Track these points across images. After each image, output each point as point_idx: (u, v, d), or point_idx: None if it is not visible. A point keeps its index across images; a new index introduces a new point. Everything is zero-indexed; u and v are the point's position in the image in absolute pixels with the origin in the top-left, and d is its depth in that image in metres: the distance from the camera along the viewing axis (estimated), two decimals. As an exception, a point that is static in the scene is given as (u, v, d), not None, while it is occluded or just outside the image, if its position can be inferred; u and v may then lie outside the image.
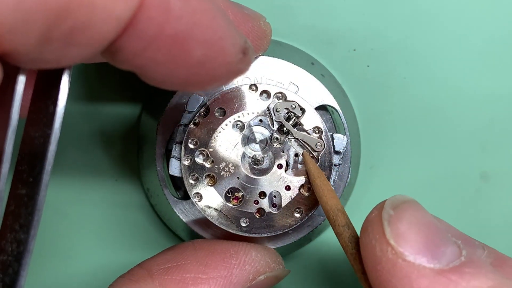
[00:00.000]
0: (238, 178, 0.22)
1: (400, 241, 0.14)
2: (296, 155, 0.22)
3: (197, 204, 0.21)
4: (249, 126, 0.22)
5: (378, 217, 0.15)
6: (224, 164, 0.21)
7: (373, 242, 0.15)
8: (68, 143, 0.24)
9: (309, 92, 0.22)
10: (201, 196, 0.21)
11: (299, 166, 0.22)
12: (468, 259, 0.14)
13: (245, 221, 0.22)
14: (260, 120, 0.22)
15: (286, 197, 0.22)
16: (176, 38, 0.12)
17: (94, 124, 0.24)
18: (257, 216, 0.22)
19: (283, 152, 0.22)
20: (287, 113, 0.21)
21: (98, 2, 0.10)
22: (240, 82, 0.21)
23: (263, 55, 0.22)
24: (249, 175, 0.22)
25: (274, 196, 0.22)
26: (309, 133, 0.22)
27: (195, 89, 0.19)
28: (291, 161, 0.22)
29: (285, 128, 0.21)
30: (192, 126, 0.21)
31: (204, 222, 0.22)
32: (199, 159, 0.21)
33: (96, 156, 0.24)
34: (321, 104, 0.22)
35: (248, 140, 0.21)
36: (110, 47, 0.11)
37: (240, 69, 0.14)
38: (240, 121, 0.21)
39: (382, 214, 0.15)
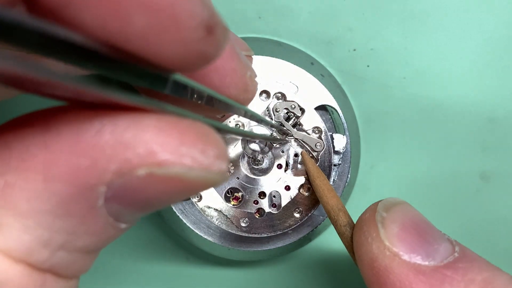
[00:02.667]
0: (238, 178, 0.22)
1: (394, 241, 0.15)
2: (296, 155, 0.22)
3: (197, 204, 0.22)
4: (249, 126, 0.22)
5: (372, 217, 0.16)
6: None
7: (369, 240, 0.15)
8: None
9: (308, 92, 0.22)
10: (201, 196, 0.22)
11: (299, 166, 0.22)
12: (461, 255, 0.15)
13: (245, 221, 0.22)
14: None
15: (286, 197, 0.22)
16: None
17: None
18: (257, 216, 0.22)
19: (283, 152, 0.22)
20: (287, 113, 0.22)
21: None
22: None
23: (263, 55, 0.22)
24: (249, 175, 0.22)
25: (274, 196, 0.22)
26: (308, 133, 0.22)
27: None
28: (291, 161, 0.22)
29: (284, 128, 0.22)
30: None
31: (204, 222, 0.23)
32: (199, 159, 0.22)
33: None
34: (321, 104, 0.22)
35: (248, 140, 0.22)
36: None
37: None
38: (240, 121, 0.22)
39: (375, 217, 0.16)
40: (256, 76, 0.16)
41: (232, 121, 0.22)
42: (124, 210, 0.11)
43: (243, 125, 0.22)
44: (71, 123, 0.10)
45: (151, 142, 0.10)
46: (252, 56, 0.20)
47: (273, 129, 0.22)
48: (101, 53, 0.10)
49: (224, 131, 0.21)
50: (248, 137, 0.22)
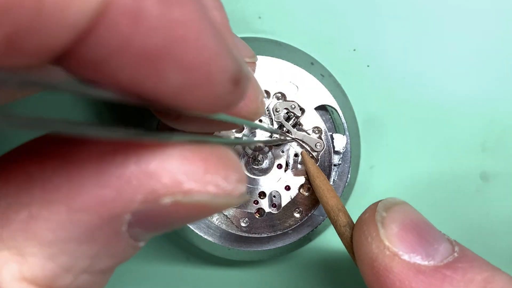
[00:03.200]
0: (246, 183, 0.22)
1: (394, 241, 0.15)
2: (296, 155, 0.22)
3: (197, 204, 0.22)
4: (249, 126, 0.22)
5: (371, 217, 0.16)
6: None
7: (369, 240, 0.16)
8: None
9: (308, 92, 0.22)
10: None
11: (299, 166, 0.22)
12: (461, 255, 0.15)
13: (245, 221, 0.22)
14: (260, 120, 0.22)
15: (286, 197, 0.22)
16: (147, 55, 0.09)
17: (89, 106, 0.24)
18: (257, 216, 0.22)
19: (283, 152, 0.22)
20: (287, 113, 0.22)
21: (47, 1, 0.08)
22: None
23: (263, 55, 0.22)
24: (249, 175, 0.22)
25: (274, 196, 0.22)
26: (308, 133, 0.22)
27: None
28: (291, 161, 0.22)
29: (285, 128, 0.22)
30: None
31: (204, 222, 0.23)
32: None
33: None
34: (321, 104, 0.22)
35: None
36: (62, 54, 0.09)
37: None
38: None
39: (375, 216, 0.16)
40: (265, 97, 0.16)
41: (232, 121, 0.22)
42: (145, 232, 0.12)
43: (242, 127, 0.22)
44: (94, 154, 0.11)
45: (176, 171, 0.10)
46: (256, 62, 0.20)
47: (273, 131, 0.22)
48: (131, 103, 0.10)
49: (233, 145, 0.22)
50: (252, 144, 0.22)
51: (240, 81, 0.11)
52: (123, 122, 0.25)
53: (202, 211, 0.11)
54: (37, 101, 0.24)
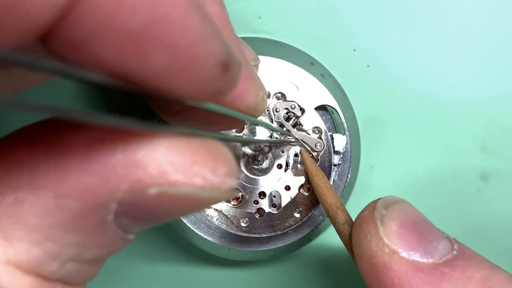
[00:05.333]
0: (238, 178, 0.22)
1: (393, 238, 0.16)
2: (296, 155, 0.23)
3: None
4: (249, 126, 0.22)
5: (371, 215, 0.16)
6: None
7: (368, 238, 0.16)
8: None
9: (308, 92, 0.23)
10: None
11: (299, 166, 0.23)
12: (460, 253, 0.16)
13: (245, 221, 0.23)
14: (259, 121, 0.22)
15: (286, 197, 0.23)
16: (129, 35, 0.09)
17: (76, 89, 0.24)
18: (257, 216, 0.23)
19: (283, 152, 0.23)
20: (287, 113, 0.22)
21: None
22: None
23: (263, 55, 0.23)
24: (249, 175, 0.23)
25: (274, 196, 0.23)
26: (308, 133, 0.22)
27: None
28: (291, 161, 0.23)
29: (284, 128, 0.22)
30: (192, 126, 0.22)
31: (204, 222, 0.23)
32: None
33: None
34: (321, 104, 0.23)
35: (248, 141, 0.22)
36: (45, 34, 0.09)
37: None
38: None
39: (374, 214, 0.16)
40: (266, 94, 0.16)
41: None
42: (132, 223, 0.11)
43: (242, 128, 0.22)
44: (82, 141, 0.11)
45: (163, 162, 0.10)
46: (259, 64, 0.20)
47: (275, 130, 0.22)
48: (117, 87, 0.10)
49: (230, 141, 0.22)
50: (253, 143, 0.22)
51: (230, 67, 0.11)
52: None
53: (189, 204, 0.11)
54: (39, 91, 0.24)
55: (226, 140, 0.21)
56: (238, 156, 0.23)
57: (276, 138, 0.22)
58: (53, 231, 0.11)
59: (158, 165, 0.10)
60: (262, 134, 0.22)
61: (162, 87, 0.10)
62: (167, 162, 0.10)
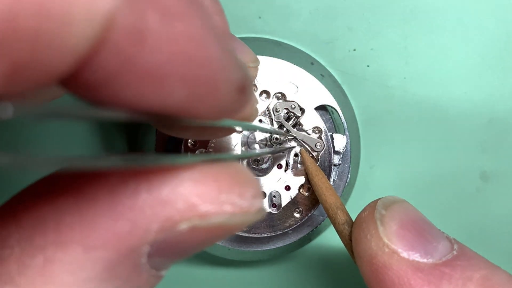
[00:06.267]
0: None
1: (393, 238, 0.16)
2: (296, 155, 0.23)
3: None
4: (247, 128, 0.22)
5: (371, 215, 0.16)
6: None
7: (368, 237, 0.16)
8: (68, 142, 0.25)
9: (308, 92, 0.23)
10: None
11: (299, 166, 0.23)
12: (460, 252, 0.16)
13: (245, 221, 0.23)
14: (260, 120, 0.22)
15: (286, 197, 0.23)
16: (151, 73, 0.09)
17: (94, 122, 0.25)
18: (257, 216, 0.23)
19: (283, 153, 0.23)
20: (287, 113, 0.22)
21: (45, 27, 0.08)
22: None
23: (263, 55, 0.23)
24: (249, 175, 0.23)
25: (274, 196, 0.23)
26: (308, 133, 0.23)
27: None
28: (291, 161, 0.23)
29: (284, 128, 0.22)
30: (192, 126, 0.22)
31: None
32: (199, 159, 0.22)
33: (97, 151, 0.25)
34: (321, 104, 0.23)
35: (248, 141, 0.22)
36: (66, 78, 0.09)
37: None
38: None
39: (374, 214, 0.16)
40: (258, 102, 0.16)
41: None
42: (165, 260, 0.11)
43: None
44: (104, 187, 0.10)
45: (190, 195, 0.10)
46: (258, 67, 0.20)
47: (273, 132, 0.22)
48: (135, 120, 0.10)
49: (244, 158, 0.22)
50: (256, 156, 0.22)
51: (245, 89, 0.11)
52: (124, 147, 0.25)
53: (221, 232, 0.11)
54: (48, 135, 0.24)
55: (238, 159, 0.21)
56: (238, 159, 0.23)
57: (277, 138, 0.22)
58: (88, 284, 0.10)
59: (186, 199, 0.10)
60: (262, 135, 0.22)
61: (180, 115, 0.10)
62: (193, 194, 0.10)
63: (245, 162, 0.23)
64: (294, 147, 0.22)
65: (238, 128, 0.22)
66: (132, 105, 0.10)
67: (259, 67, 0.22)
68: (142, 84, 0.09)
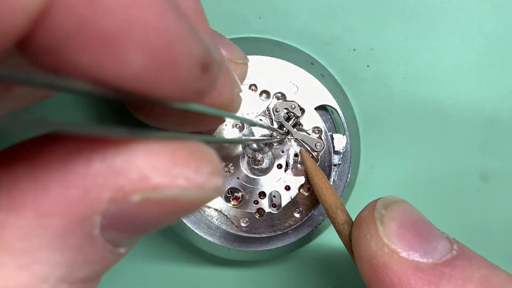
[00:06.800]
0: (238, 178, 0.23)
1: (393, 238, 0.16)
2: (296, 155, 0.23)
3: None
4: (249, 126, 0.22)
5: (370, 215, 0.16)
6: (223, 164, 0.22)
7: (368, 237, 0.16)
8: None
9: (308, 92, 0.23)
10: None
11: (299, 166, 0.23)
12: (459, 252, 0.16)
13: (245, 221, 0.23)
14: (260, 120, 0.22)
15: (286, 197, 0.23)
16: (105, 37, 0.09)
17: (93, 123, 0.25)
18: (257, 216, 0.23)
19: (283, 152, 0.23)
20: (287, 113, 0.22)
21: None
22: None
23: (263, 55, 0.23)
24: (249, 175, 0.23)
25: (274, 196, 0.23)
26: (308, 133, 0.23)
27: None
28: (291, 161, 0.23)
29: (284, 128, 0.22)
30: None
31: (204, 222, 0.23)
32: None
33: None
34: (321, 104, 0.23)
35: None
36: (20, 41, 0.09)
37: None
38: (239, 123, 0.22)
39: (374, 214, 0.16)
40: (241, 91, 0.16)
41: (229, 123, 0.22)
42: (121, 235, 0.11)
43: (242, 126, 0.22)
44: (58, 154, 0.10)
45: (143, 166, 0.10)
46: (248, 64, 0.20)
47: (272, 129, 0.22)
48: (95, 92, 0.10)
49: (218, 143, 0.22)
50: (243, 143, 0.22)
51: (210, 67, 0.11)
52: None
53: (175, 207, 0.11)
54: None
55: (214, 142, 0.21)
56: (238, 156, 0.23)
57: (270, 136, 0.22)
58: (39, 252, 0.10)
59: (138, 170, 0.10)
60: (262, 134, 0.22)
61: (141, 90, 0.10)
62: (147, 166, 0.10)
63: (245, 162, 0.23)
64: (284, 139, 0.22)
65: (232, 121, 0.22)
66: (89, 74, 0.09)
67: (257, 66, 0.22)
68: (97, 49, 0.09)
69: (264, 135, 0.22)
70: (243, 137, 0.22)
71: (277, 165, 0.23)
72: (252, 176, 0.23)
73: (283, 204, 0.23)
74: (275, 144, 0.23)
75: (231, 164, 0.22)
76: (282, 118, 0.22)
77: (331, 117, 0.23)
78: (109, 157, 0.10)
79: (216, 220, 0.23)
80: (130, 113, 0.14)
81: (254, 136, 0.22)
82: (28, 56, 0.10)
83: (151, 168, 0.10)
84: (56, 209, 0.10)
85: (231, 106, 0.15)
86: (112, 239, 0.11)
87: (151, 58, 0.10)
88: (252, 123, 0.22)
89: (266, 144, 0.22)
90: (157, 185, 0.10)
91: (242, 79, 0.20)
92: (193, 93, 0.11)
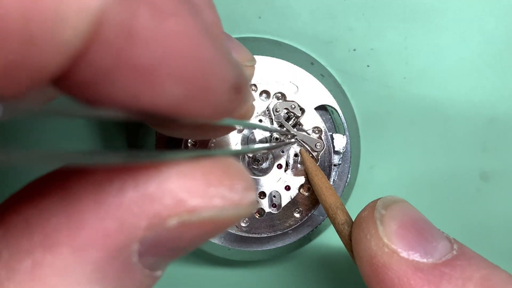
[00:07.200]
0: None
1: (393, 238, 0.16)
2: (296, 155, 0.23)
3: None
4: (246, 127, 0.22)
5: (370, 215, 0.16)
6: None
7: (368, 237, 0.16)
8: (67, 141, 0.25)
9: (308, 92, 0.23)
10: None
11: (299, 166, 0.23)
12: (459, 252, 0.16)
13: (245, 221, 0.23)
14: (260, 120, 0.22)
15: (286, 197, 0.23)
16: (142, 70, 0.09)
17: (94, 123, 0.25)
18: (257, 216, 0.23)
19: (283, 152, 0.23)
20: (287, 113, 0.22)
21: (35, 26, 0.08)
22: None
23: (263, 55, 0.23)
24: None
25: (274, 196, 0.23)
26: (308, 133, 0.23)
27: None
28: (291, 161, 0.23)
29: (284, 128, 0.22)
30: (192, 126, 0.22)
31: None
32: (199, 159, 0.22)
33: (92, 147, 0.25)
34: (321, 104, 0.23)
35: (247, 140, 0.22)
36: (57, 77, 0.09)
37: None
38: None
39: (374, 214, 0.16)
40: (254, 100, 0.16)
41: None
42: (159, 260, 0.11)
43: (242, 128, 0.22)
44: (88, 185, 0.10)
45: (177, 190, 0.10)
46: (255, 66, 0.20)
47: (273, 131, 0.22)
48: (128, 119, 0.10)
49: (238, 154, 0.22)
50: (255, 152, 0.22)
51: (241, 88, 0.11)
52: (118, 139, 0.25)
53: (213, 227, 0.10)
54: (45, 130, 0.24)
55: (234, 154, 0.21)
56: (238, 156, 0.23)
57: (277, 138, 0.22)
58: (78, 287, 0.10)
59: (173, 194, 0.10)
60: (261, 134, 0.22)
61: (173, 114, 0.10)
62: (181, 189, 0.10)
63: (245, 162, 0.23)
64: (291, 142, 0.22)
65: (238, 127, 0.22)
66: (125, 104, 0.09)
67: (257, 66, 0.22)
68: (134, 82, 0.09)
69: (266, 137, 0.22)
70: (256, 147, 0.22)
71: (277, 165, 0.23)
72: (252, 176, 0.23)
73: (283, 204, 0.23)
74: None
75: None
76: (282, 118, 0.22)
77: (331, 117, 0.23)
78: (142, 183, 0.10)
79: (216, 220, 0.23)
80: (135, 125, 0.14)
81: (254, 135, 0.22)
82: (62, 89, 0.10)
83: (185, 191, 0.10)
84: (93, 242, 0.10)
85: (246, 117, 0.15)
86: (149, 264, 0.11)
87: (186, 86, 0.10)
88: (267, 129, 0.22)
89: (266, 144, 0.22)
90: (193, 207, 0.10)
91: (249, 81, 0.20)
92: (224, 114, 0.11)
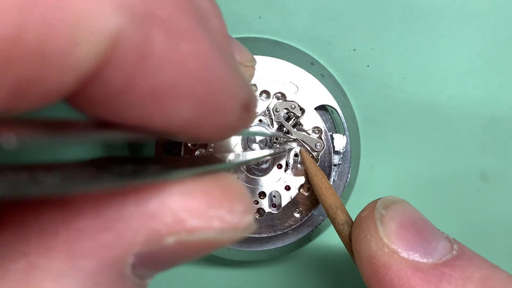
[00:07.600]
0: (238, 178, 0.23)
1: (393, 238, 0.16)
2: (296, 155, 0.23)
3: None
4: (245, 135, 0.22)
5: (370, 215, 0.16)
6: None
7: (368, 237, 0.16)
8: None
9: (308, 92, 0.23)
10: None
11: (299, 166, 0.23)
12: (459, 252, 0.16)
13: (245, 221, 0.23)
14: (260, 120, 0.22)
15: (286, 197, 0.23)
16: (154, 92, 0.09)
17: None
18: (257, 216, 0.23)
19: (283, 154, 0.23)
20: (287, 113, 0.22)
21: (51, 47, 0.08)
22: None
23: (263, 55, 0.23)
24: (249, 175, 0.23)
25: (274, 196, 0.23)
26: (308, 133, 0.23)
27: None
28: (291, 161, 0.23)
29: (284, 128, 0.22)
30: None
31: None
32: (199, 159, 0.22)
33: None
34: (321, 104, 0.23)
35: (247, 140, 0.22)
36: (70, 95, 0.09)
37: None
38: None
39: (374, 214, 0.16)
40: (257, 105, 0.16)
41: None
42: (151, 271, 0.11)
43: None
44: (91, 197, 0.10)
45: (177, 209, 0.10)
46: (255, 66, 0.20)
47: (273, 129, 0.22)
48: (137, 139, 0.10)
49: (242, 164, 0.22)
50: (255, 161, 0.22)
51: (250, 107, 0.11)
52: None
53: (208, 247, 0.11)
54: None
55: (234, 166, 0.21)
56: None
57: (277, 138, 0.22)
58: None
59: (173, 213, 0.10)
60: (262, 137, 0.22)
61: (184, 134, 0.10)
62: (182, 209, 0.10)
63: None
64: (293, 148, 0.22)
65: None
66: (136, 123, 0.10)
67: (257, 66, 0.22)
68: (147, 102, 0.09)
69: (266, 138, 0.22)
70: (257, 154, 0.22)
71: (277, 165, 0.23)
72: (252, 176, 0.23)
73: (283, 204, 0.23)
74: (275, 144, 0.23)
75: (231, 164, 0.23)
76: (282, 118, 0.22)
77: (331, 117, 0.23)
78: (143, 200, 0.10)
79: (216, 220, 0.23)
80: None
81: (254, 137, 0.22)
82: (75, 106, 0.10)
83: (185, 210, 0.10)
84: (89, 252, 0.10)
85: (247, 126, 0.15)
86: (141, 274, 0.11)
87: (199, 107, 0.10)
88: (268, 136, 0.22)
89: (266, 144, 0.22)
90: (192, 228, 0.10)
91: (249, 81, 0.20)
92: (232, 131, 0.11)
